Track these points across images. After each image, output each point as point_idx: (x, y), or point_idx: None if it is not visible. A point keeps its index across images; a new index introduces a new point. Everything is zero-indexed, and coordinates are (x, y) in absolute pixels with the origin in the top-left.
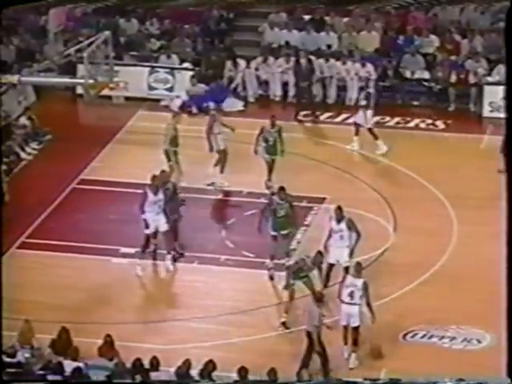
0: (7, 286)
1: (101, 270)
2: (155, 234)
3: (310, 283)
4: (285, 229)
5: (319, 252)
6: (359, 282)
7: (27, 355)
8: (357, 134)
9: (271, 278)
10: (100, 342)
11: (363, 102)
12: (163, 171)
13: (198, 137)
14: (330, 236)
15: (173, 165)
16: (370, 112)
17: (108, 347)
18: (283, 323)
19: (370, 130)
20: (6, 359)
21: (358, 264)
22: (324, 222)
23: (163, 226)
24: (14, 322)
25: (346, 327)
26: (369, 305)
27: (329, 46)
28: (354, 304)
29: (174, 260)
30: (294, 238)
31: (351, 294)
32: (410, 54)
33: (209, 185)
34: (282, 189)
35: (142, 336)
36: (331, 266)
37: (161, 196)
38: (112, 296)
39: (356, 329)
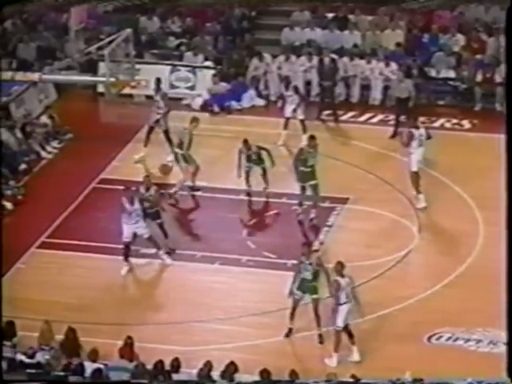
0: (26, 285)
1: (120, 270)
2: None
3: (315, 300)
4: (313, 179)
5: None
6: (348, 280)
7: (47, 356)
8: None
9: (300, 223)
10: (120, 343)
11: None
12: (147, 176)
13: (219, 136)
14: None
15: (184, 168)
16: (414, 156)
17: (128, 349)
18: (290, 330)
19: (414, 175)
20: (26, 360)
21: (338, 264)
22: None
23: (144, 232)
24: (32, 322)
25: (339, 332)
26: (355, 298)
27: (355, 46)
28: (349, 302)
29: (168, 253)
30: (317, 239)
31: (346, 293)
32: (439, 53)
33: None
34: (312, 137)
35: (162, 337)
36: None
37: (137, 206)
38: (132, 296)
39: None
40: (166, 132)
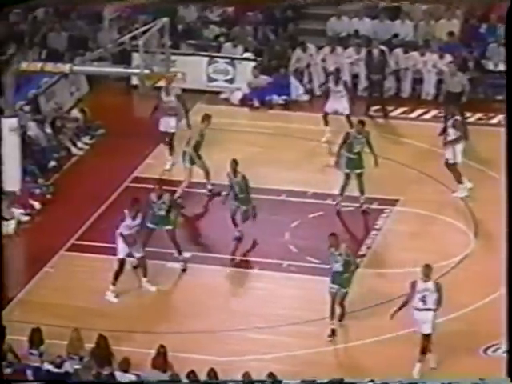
0: (54, 290)
1: (154, 275)
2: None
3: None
4: (359, 167)
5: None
6: (430, 285)
7: (76, 366)
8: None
9: (338, 213)
10: (152, 352)
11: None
12: (159, 182)
13: (259, 133)
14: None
15: (188, 169)
16: (459, 146)
17: (162, 358)
18: (332, 331)
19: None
20: (53, 369)
21: (427, 266)
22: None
23: (137, 257)
24: (60, 329)
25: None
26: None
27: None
28: (428, 309)
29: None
30: (365, 243)
31: (423, 299)
32: (493, 45)
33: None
34: (361, 122)
35: (197, 346)
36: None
37: (138, 221)
38: (165, 303)
39: (427, 336)
40: (172, 136)
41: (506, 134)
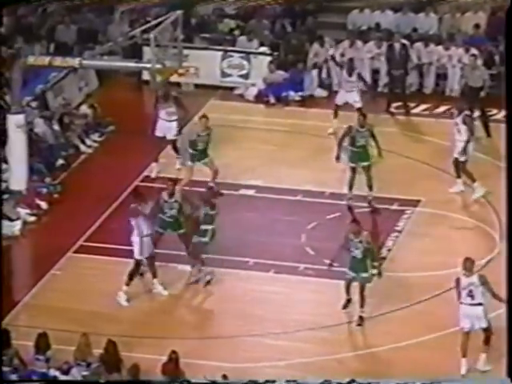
0: (62, 293)
1: (165, 278)
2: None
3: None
4: (365, 160)
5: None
6: (475, 279)
7: (84, 373)
8: None
9: (349, 208)
10: (163, 358)
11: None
12: (170, 180)
13: (275, 130)
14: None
15: (189, 167)
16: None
17: (173, 364)
18: (348, 300)
19: (461, 165)
20: (60, 376)
21: (467, 260)
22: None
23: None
24: (67, 334)
25: (467, 333)
26: (495, 295)
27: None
28: (478, 304)
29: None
30: (385, 246)
31: (471, 294)
32: None
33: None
34: (362, 115)
35: (209, 353)
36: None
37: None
38: (177, 307)
39: (486, 329)
40: (175, 141)
41: (507, 131)
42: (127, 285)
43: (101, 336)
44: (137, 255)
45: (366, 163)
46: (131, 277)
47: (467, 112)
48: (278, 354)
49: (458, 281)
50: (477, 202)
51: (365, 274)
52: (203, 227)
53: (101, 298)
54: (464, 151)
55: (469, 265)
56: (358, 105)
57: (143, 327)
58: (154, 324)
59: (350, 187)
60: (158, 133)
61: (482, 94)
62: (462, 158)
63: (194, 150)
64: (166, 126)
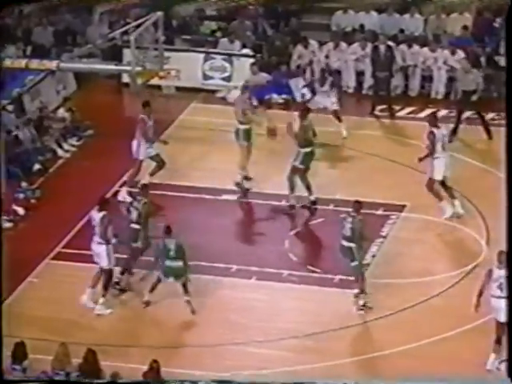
0: (39, 301)
1: (147, 285)
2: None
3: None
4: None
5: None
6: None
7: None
8: None
9: (291, 207)
10: (144, 367)
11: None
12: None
13: (258, 134)
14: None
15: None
16: (439, 162)
17: (154, 374)
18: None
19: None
20: None
21: (501, 253)
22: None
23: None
24: (45, 343)
25: (502, 324)
26: None
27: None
28: (504, 297)
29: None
30: (369, 251)
31: (500, 287)
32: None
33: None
34: (306, 110)
35: (192, 361)
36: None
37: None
38: (158, 316)
39: (501, 325)
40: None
41: (506, 133)
42: (104, 296)
43: (80, 345)
44: (106, 264)
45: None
46: (106, 287)
47: (433, 129)
48: (261, 362)
49: (490, 272)
50: (463, 207)
51: (353, 263)
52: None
53: (79, 306)
54: (440, 170)
55: (503, 257)
56: (335, 106)
57: (123, 336)
58: (134, 332)
59: (292, 189)
60: (142, 156)
61: (474, 97)
62: (439, 177)
63: None
64: (149, 149)
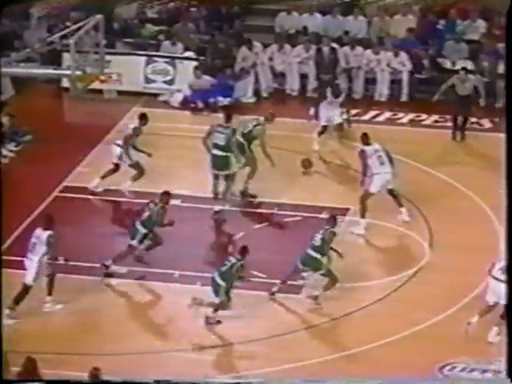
0: None
1: (89, 292)
2: None
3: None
4: (225, 169)
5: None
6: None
7: None
8: None
9: (216, 212)
10: (85, 375)
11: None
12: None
13: (202, 138)
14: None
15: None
16: (379, 177)
17: (93, 381)
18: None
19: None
20: None
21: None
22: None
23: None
24: None
25: (490, 307)
26: None
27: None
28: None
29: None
30: None
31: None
32: (450, 42)
33: None
34: (228, 116)
35: (133, 368)
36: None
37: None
38: (98, 322)
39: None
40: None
41: (506, 137)
42: (12, 308)
43: (20, 353)
44: (30, 281)
45: (228, 172)
46: (17, 301)
47: (363, 147)
48: (206, 368)
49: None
50: (407, 211)
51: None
52: None
53: (21, 315)
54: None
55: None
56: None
57: (65, 343)
58: (76, 340)
59: (215, 197)
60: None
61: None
62: (373, 190)
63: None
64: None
